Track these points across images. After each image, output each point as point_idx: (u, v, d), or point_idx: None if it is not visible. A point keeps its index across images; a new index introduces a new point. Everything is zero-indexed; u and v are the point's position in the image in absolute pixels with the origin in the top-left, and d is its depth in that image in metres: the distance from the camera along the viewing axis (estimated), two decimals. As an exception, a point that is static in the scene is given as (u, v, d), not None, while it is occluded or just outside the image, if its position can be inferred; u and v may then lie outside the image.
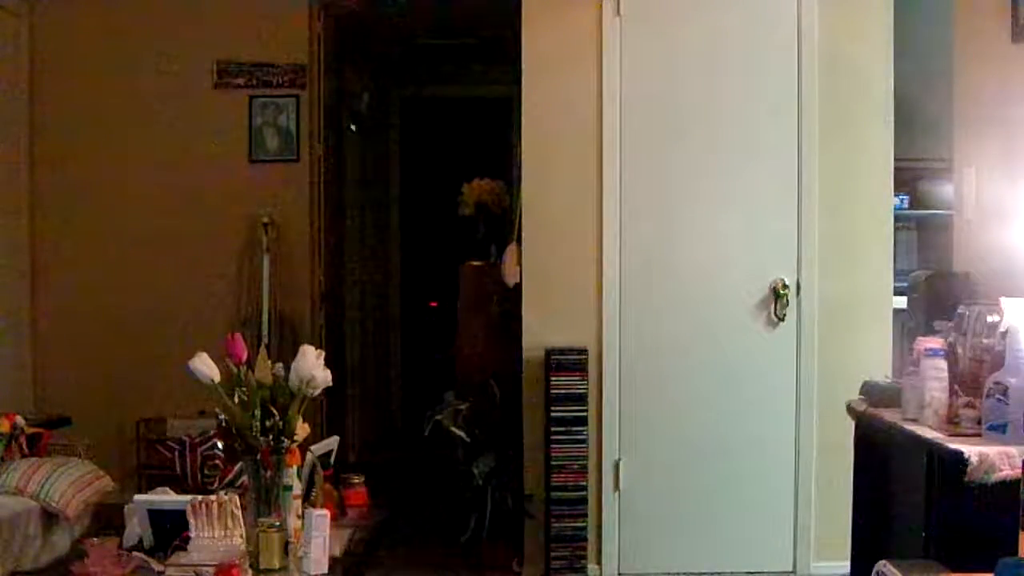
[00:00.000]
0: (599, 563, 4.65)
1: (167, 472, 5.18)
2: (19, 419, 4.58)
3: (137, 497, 3.15)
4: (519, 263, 4.78)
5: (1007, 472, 2.61)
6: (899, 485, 3.25)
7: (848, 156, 4.65)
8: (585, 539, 4.57)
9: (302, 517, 2.89)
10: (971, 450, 2.67)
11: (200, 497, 2.95)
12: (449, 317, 5.88)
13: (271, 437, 2.92)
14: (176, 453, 5.27)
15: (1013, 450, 2.66)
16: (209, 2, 5.82)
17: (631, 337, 4.67)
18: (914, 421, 3.03)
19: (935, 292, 3.61)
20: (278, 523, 2.82)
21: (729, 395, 4.65)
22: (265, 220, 5.72)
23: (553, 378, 4.52)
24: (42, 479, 4.25)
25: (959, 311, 3.18)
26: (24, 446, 4.51)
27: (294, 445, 2.96)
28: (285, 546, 2.81)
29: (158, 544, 2.99)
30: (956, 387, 3.02)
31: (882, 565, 2.78)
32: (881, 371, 3.93)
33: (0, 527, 3.97)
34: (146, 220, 5.76)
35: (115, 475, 4.77)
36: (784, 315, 4.62)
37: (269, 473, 2.93)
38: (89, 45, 5.79)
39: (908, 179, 5.35)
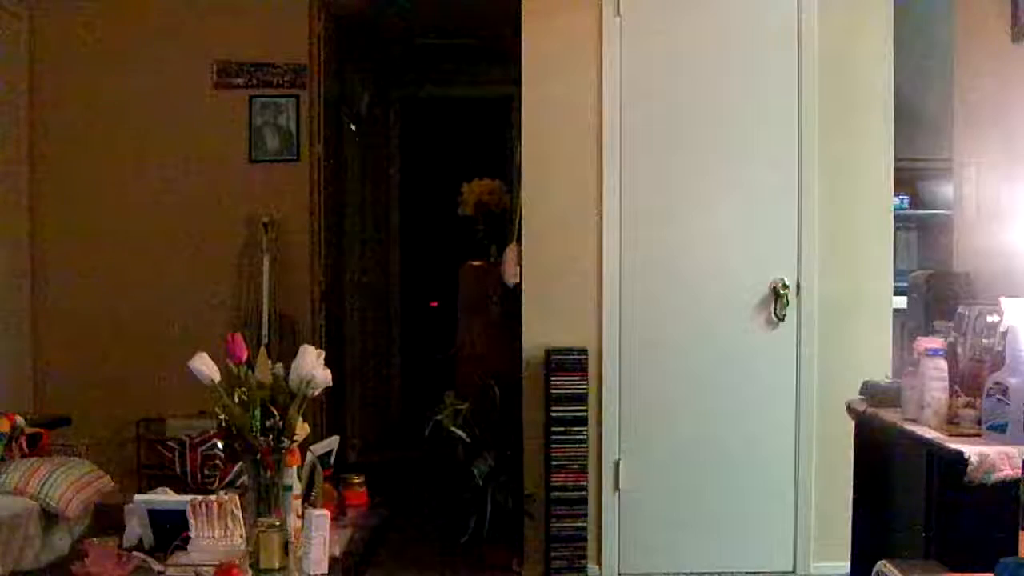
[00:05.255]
0: (599, 563, 4.65)
1: (167, 472, 5.18)
2: (19, 419, 4.57)
3: (137, 497, 3.15)
4: (519, 263, 4.78)
5: (1007, 472, 2.61)
6: (899, 485, 3.25)
7: (848, 156, 4.65)
8: (585, 539, 4.57)
9: (302, 517, 2.89)
10: (971, 450, 2.67)
11: (200, 497, 2.95)
12: (449, 317, 5.89)
13: (271, 437, 2.92)
14: (176, 453, 5.28)
15: (1013, 450, 2.66)
16: (209, 2, 5.82)
17: (631, 337, 4.67)
18: (914, 421, 3.02)
19: (935, 292, 3.61)
20: (278, 523, 2.82)
21: (729, 395, 4.65)
22: (265, 220, 5.72)
23: (553, 378, 4.52)
24: (42, 479, 4.25)
25: (959, 311, 3.19)
26: (24, 446, 4.51)
27: (294, 445, 2.96)
28: (285, 546, 2.81)
29: (158, 544, 2.99)
30: (956, 387, 3.02)
31: (882, 565, 2.78)
32: (881, 371, 3.93)
33: (0, 527, 3.96)
34: (146, 220, 5.76)
35: (115, 475, 4.76)
36: (784, 315, 4.62)
37: (269, 473, 2.93)
38: (89, 45, 5.78)
39: (908, 179, 5.35)
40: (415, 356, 8.47)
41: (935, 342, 3.09)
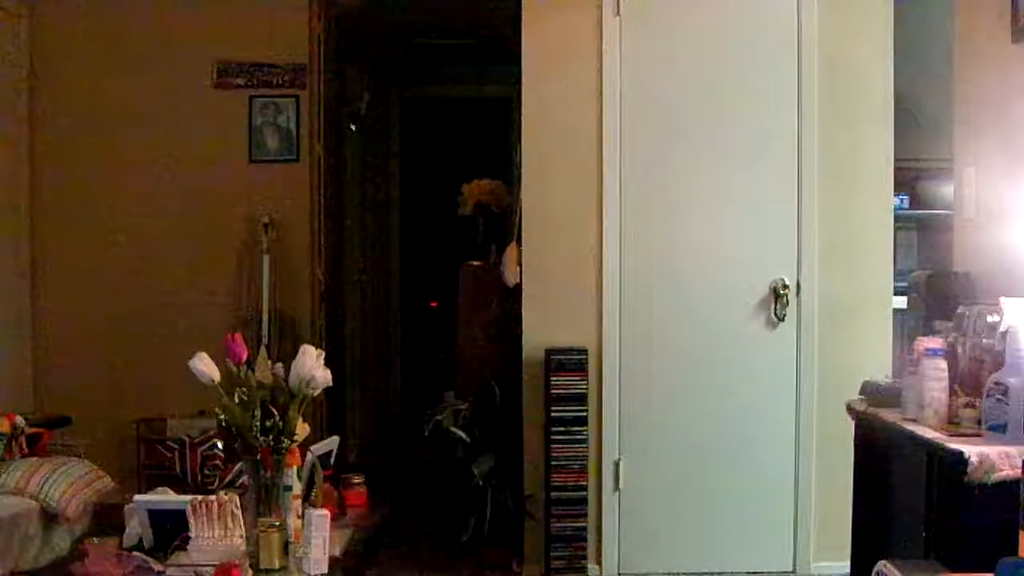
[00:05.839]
0: (599, 563, 4.65)
1: (167, 472, 5.18)
2: (19, 419, 4.57)
3: (137, 497, 3.16)
4: (519, 263, 4.78)
5: (1007, 472, 2.61)
6: (899, 485, 3.25)
7: (848, 156, 4.65)
8: (585, 539, 4.57)
9: (302, 517, 2.89)
10: (971, 450, 2.67)
11: (200, 497, 2.95)
12: (449, 317, 5.89)
13: (271, 437, 2.92)
14: (176, 453, 5.27)
15: (1013, 450, 2.66)
16: (209, 2, 5.81)
17: (631, 337, 4.67)
18: (914, 421, 3.02)
19: (935, 292, 3.61)
20: (278, 523, 2.82)
21: (729, 395, 4.65)
22: (265, 220, 5.71)
23: (553, 378, 4.52)
24: (42, 479, 4.25)
25: (959, 311, 3.18)
26: (24, 446, 4.51)
27: (294, 445, 2.96)
28: (285, 546, 2.81)
29: (158, 544, 2.99)
30: (956, 387, 3.02)
31: (882, 565, 2.78)
32: (881, 371, 3.93)
33: (0, 527, 3.96)
34: (146, 220, 5.75)
35: (115, 475, 4.77)
36: (784, 315, 4.62)
37: (269, 473, 2.93)
38: (89, 45, 5.78)
39: (908, 179, 5.35)
40: (415, 356, 8.47)
41: (935, 342, 3.09)
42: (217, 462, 5.05)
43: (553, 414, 4.53)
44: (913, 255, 5.43)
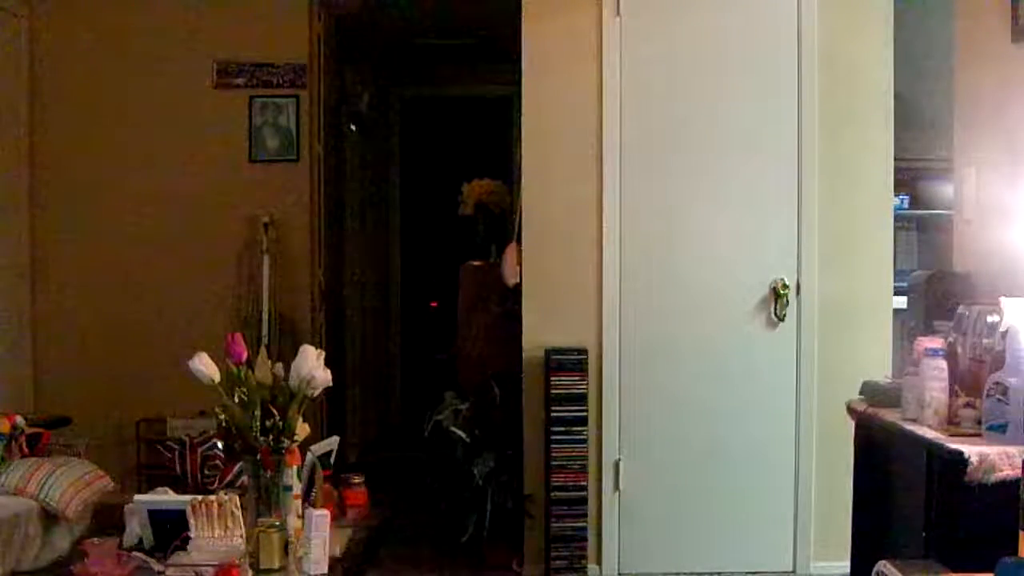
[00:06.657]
0: (599, 563, 4.65)
1: (167, 472, 5.18)
2: (19, 419, 4.57)
3: (137, 497, 3.15)
4: (519, 263, 4.78)
5: (1007, 472, 2.62)
6: (899, 485, 3.25)
7: (848, 156, 4.65)
8: (585, 539, 4.57)
9: (302, 517, 2.89)
10: (971, 450, 2.67)
11: (200, 497, 2.95)
12: (449, 317, 5.89)
13: (271, 437, 2.92)
14: (176, 453, 5.27)
15: (1013, 450, 2.66)
16: (209, 2, 5.81)
17: (631, 337, 4.67)
18: (914, 421, 3.03)
19: (935, 292, 3.61)
20: (278, 523, 2.82)
21: (729, 395, 4.65)
22: (265, 220, 5.71)
23: (553, 378, 4.52)
24: (42, 479, 4.25)
25: (959, 311, 3.18)
26: (24, 446, 4.51)
27: (294, 445, 2.96)
28: (285, 546, 2.81)
29: (158, 544, 2.99)
30: (956, 387, 3.02)
31: (882, 565, 2.77)
32: (881, 371, 3.93)
33: (0, 527, 3.96)
34: (146, 220, 5.75)
35: (115, 475, 4.77)
36: (784, 315, 4.62)
37: (269, 473, 2.93)
38: (89, 45, 5.77)
39: (908, 179, 5.35)
40: (415, 356, 8.47)
41: (935, 342, 3.09)
42: (217, 462, 5.04)
43: (553, 414, 4.53)
44: (913, 255, 5.43)
